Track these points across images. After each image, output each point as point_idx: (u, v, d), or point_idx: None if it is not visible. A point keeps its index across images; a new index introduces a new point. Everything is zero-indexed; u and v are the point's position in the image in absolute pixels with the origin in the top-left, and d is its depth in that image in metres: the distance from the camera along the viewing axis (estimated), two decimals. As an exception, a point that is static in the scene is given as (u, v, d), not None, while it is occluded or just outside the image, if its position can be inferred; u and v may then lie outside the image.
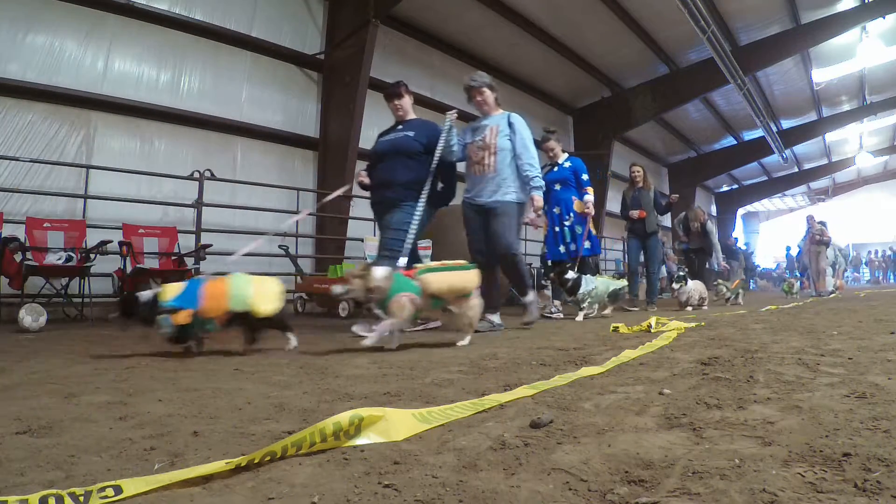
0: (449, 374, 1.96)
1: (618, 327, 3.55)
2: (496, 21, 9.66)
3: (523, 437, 1.10)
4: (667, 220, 19.24)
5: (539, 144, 4.94)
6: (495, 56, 10.92)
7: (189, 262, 5.59)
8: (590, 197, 5.30)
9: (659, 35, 11.26)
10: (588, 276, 4.95)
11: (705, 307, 6.42)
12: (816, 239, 10.71)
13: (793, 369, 1.81)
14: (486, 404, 1.37)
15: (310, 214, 7.46)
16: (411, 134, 3.83)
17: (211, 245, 5.58)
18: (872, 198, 27.21)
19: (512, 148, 3.92)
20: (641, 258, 6.95)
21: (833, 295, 10.04)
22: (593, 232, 5.47)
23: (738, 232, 26.09)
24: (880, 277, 23.71)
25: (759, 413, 1.25)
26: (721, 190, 24.59)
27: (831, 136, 19.33)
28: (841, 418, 1.17)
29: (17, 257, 4.56)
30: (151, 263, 5.36)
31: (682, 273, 6.40)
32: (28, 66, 5.56)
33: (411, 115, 4.10)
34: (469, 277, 2.93)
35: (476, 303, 2.98)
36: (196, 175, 6.08)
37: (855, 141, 20.91)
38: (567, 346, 2.73)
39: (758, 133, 16.21)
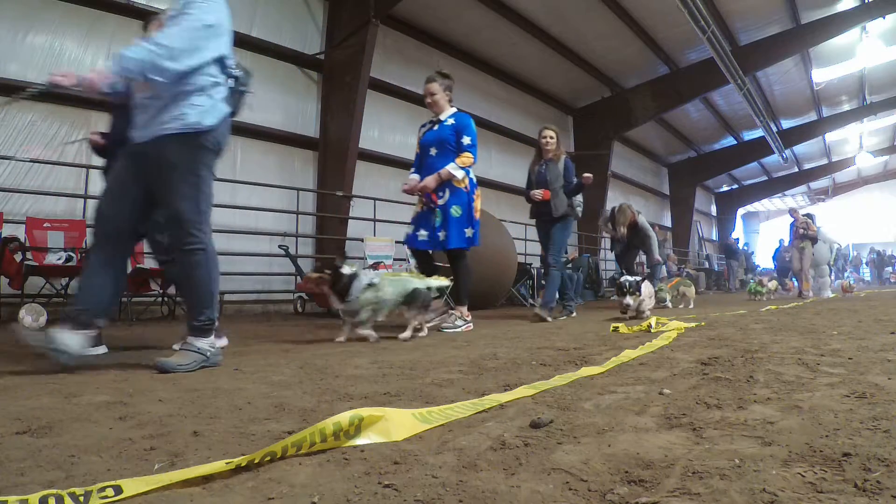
0: (449, 374, 1.96)
1: (618, 327, 3.56)
2: (496, 21, 9.66)
3: (523, 437, 1.10)
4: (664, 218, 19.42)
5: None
6: (495, 56, 10.93)
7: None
8: (454, 170, 3.86)
9: (659, 35, 11.27)
10: (369, 272, 3.49)
11: (648, 312, 4.85)
12: (800, 233, 9.65)
13: (793, 369, 1.81)
14: (486, 404, 1.37)
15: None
16: None
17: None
18: (872, 198, 27.21)
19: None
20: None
21: (833, 296, 9.39)
22: (477, 216, 4.09)
23: (738, 232, 26.10)
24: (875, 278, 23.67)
25: (759, 413, 1.25)
26: (721, 190, 24.61)
27: (831, 136, 19.35)
28: (841, 418, 1.17)
29: (17, 257, 4.57)
30: (151, 263, 5.35)
31: (634, 280, 4.73)
32: (28, 66, 5.56)
33: None
34: None
35: None
36: (196, 175, 6.07)
37: (855, 141, 20.92)
38: (567, 346, 2.73)
39: (758, 133, 16.23)
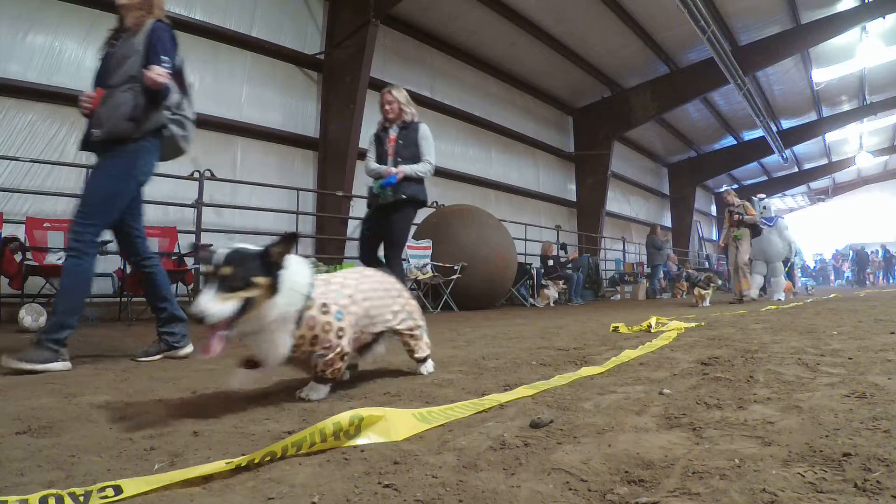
0: (449, 374, 1.96)
1: (618, 327, 3.55)
2: (496, 21, 9.66)
3: (523, 437, 1.10)
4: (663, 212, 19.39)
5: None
6: (495, 56, 10.94)
7: (189, 262, 5.60)
8: None
9: (659, 35, 11.27)
10: None
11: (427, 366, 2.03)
12: (736, 219, 7.68)
13: (793, 369, 1.81)
14: (486, 404, 1.37)
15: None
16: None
17: (211, 245, 5.58)
18: (872, 198, 27.19)
19: None
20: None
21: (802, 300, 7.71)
22: None
23: (738, 232, 26.05)
24: (863, 278, 23.34)
25: (759, 413, 1.25)
26: (721, 190, 24.60)
27: (831, 136, 19.34)
28: (841, 418, 1.17)
29: (17, 257, 4.56)
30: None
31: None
32: (28, 66, 5.56)
33: None
34: None
35: None
36: (196, 175, 6.08)
37: (855, 141, 20.91)
38: (567, 346, 2.73)
39: (758, 133, 16.23)
